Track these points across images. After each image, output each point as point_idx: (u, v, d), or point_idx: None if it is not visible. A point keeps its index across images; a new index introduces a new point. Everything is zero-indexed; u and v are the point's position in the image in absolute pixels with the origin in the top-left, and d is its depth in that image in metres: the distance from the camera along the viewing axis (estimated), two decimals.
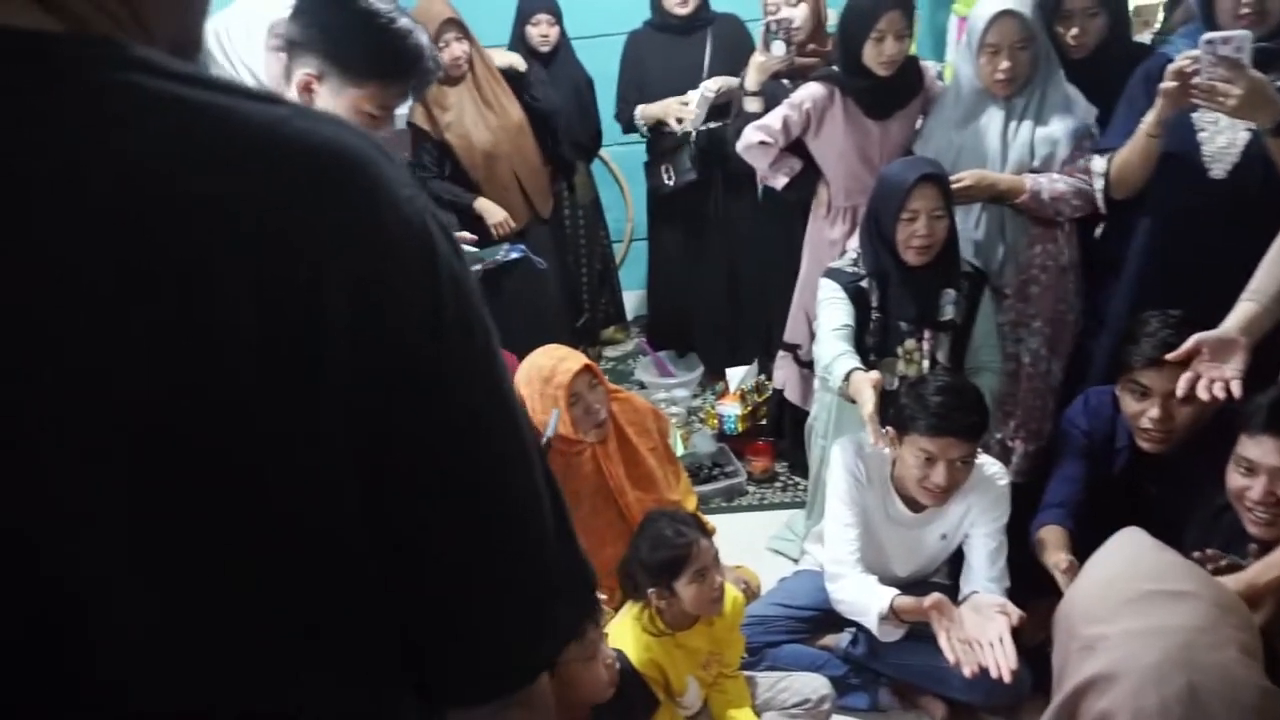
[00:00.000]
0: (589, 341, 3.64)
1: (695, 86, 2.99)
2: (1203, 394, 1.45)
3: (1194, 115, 1.79)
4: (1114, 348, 1.92)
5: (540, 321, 2.91)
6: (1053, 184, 2.08)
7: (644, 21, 3.12)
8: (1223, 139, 1.79)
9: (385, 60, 1.32)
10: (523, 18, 3.19)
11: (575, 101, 3.31)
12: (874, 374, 1.90)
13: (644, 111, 3.07)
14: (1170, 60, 1.80)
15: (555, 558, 0.54)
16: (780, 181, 2.50)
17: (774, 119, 2.38)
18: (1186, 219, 1.86)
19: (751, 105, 2.55)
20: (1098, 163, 1.97)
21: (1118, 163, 1.90)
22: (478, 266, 1.55)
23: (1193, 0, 1.90)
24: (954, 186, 2.06)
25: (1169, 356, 1.55)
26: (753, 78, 2.54)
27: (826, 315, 2.08)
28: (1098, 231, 2.27)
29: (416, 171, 2.90)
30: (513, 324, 2.66)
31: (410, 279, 0.45)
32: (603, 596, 1.83)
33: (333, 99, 1.34)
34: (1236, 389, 1.43)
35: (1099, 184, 1.97)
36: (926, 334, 2.06)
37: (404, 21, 1.31)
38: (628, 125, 3.18)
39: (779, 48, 2.46)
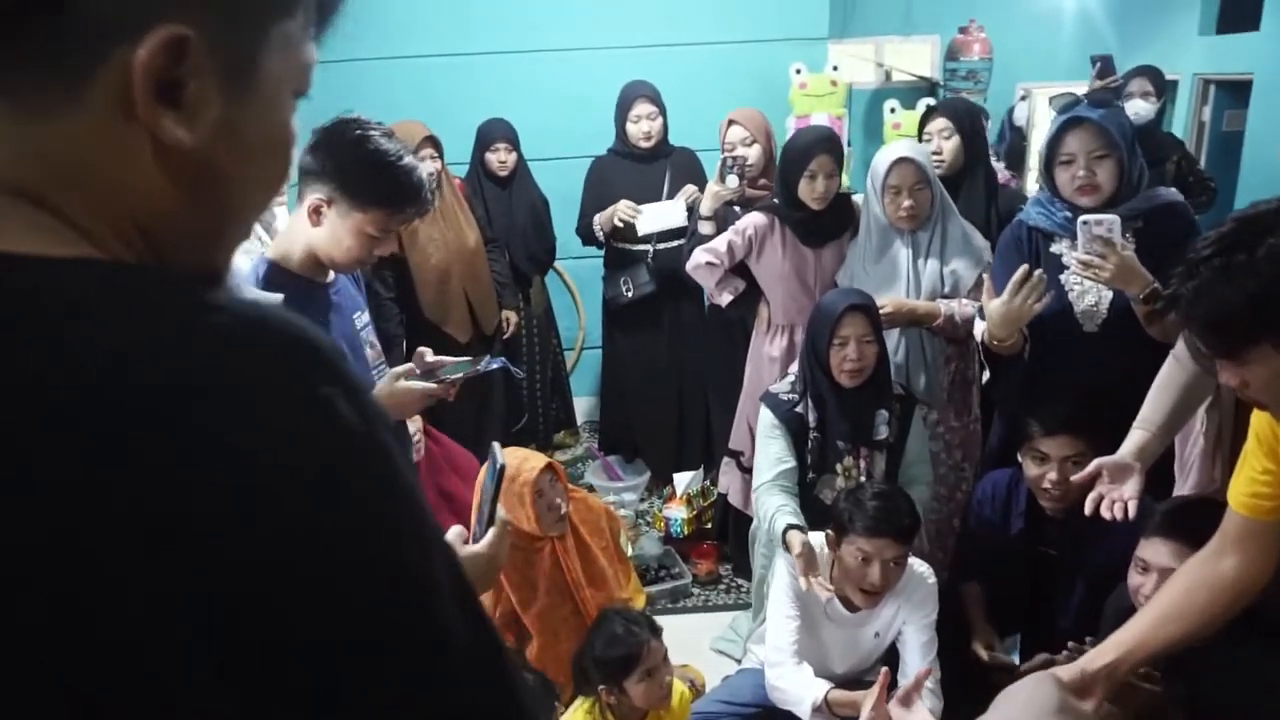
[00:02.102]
0: (536, 444, 3.75)
1: (655, 199, 3.24)
2: (1105, 514, 1.61)
3: (1062, 277, 2.04)
4: (1008, 432, 2.16)
5: (484, 415, 3.15)
6: (963, 308, 2.34)
7: (608, 149, 3.38)
8: (1090, 297, 2.03)
9: (390, 193, 1.49)
10: (482, 144, 3.45)
11: (532, 219, 3.55)
12: (807, 536, 2.05)
13: (598, 218, 3.29)
14: (1028, 226, 2.10)
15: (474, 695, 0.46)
16: (725, 299, 2.73)
17: (720, 242, 2.62)
18: (1064, 365, 2.09)
19: (705, 228, 2.80)
20: (978, 326, 2.11)
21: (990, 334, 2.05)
22: (459, 375, 1.68)
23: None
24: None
25: (1075, 478, 1.72)
26: (707, 205, 2.80)
27: (764, 454, 2.26)
28: (985, 376, 2.52)
29: (373, 291, 3.08)
30: (462, 413, 2.87)
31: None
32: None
33: (339, 220, 1.50)
34: (1133, 509, 1.60)
35: (979, 334, 2.14)
36: (863, 451, 2.25)
37: (409, 160, 1.49)
38: (587, 237, 3.38)
39: (733, 180, 2.74)
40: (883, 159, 2.36)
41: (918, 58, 5.40)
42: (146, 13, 0.41)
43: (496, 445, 1.30)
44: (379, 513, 0.42)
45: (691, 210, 3.07)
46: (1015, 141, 4.51)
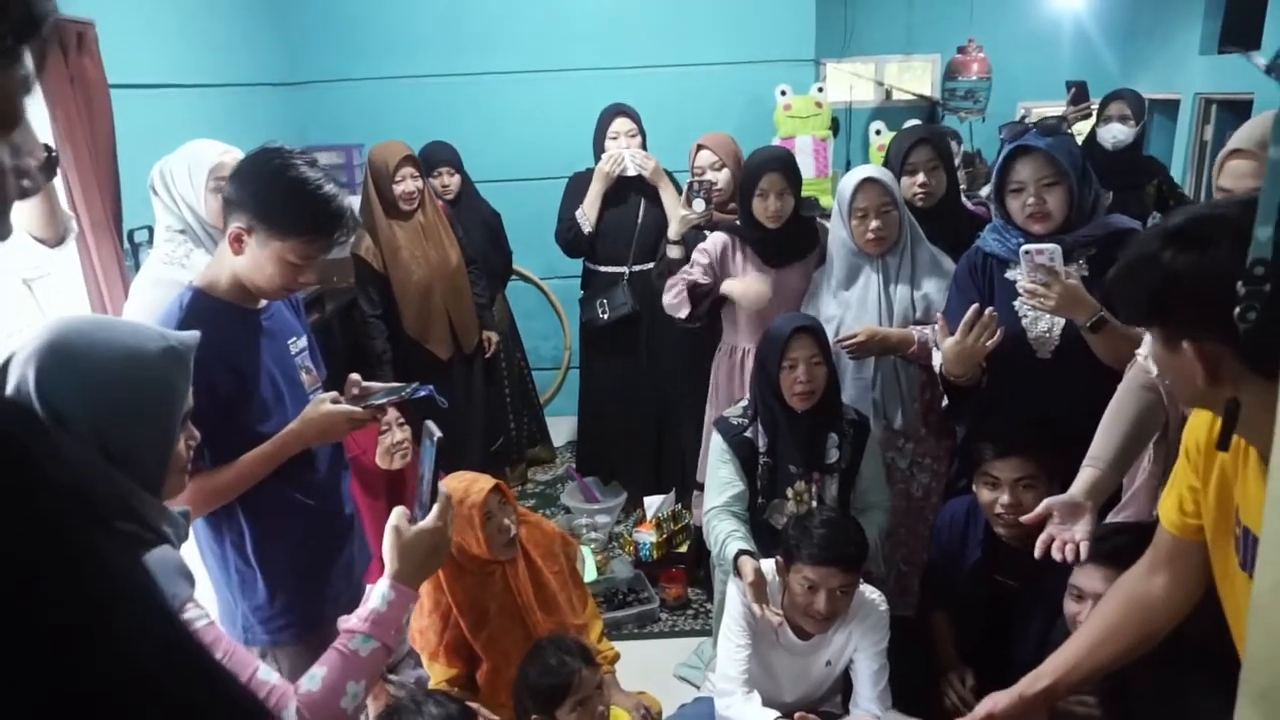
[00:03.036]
0: (510, 462, 3.76)
1: (630, 224, 3.25)
2: (1056, 555, 1.56)
3: (1015, 304, 2.01)
4: (965, 460, 2.13)
5: (463, 437, 3.16)
6: (936, 333, 2.29)
7: (587, 167, 3.36)
8: (1043, 324, 2.01)
9: (309, 221, 1.50)
10: (425, 168, 3.41)
11: (487, 236, 3.59)
12: (758, 563, 2.03)
13: (585, 206, 3.22)
14: (984, 253, 2.08)
15: None
16: (683, 312, 2.68)
17: (687, 274, 2.62)
18: (1019, 391, 2.05)
19: (673, 252, 2.80)
20: (936, 357, 2.11)
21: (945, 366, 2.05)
22: (384, 401, 1.70)
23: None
24: (849, 342, 2.27)
25: (1025, 519, 1.66)
26: (675, 228, 2.81)
27: (714, 478, 2.25)
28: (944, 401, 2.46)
29: (358, 308, 3.13)
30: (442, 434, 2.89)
31: None
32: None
33: (260, 249, 1.52)
34: (1085, 550, 1.55)
35: (937, 366, 2.12)
36: (814, 476, 2.22)
37: (329, 188, 1.51)
38: (570, 240, 3.30)
39: (699, 205, 2.74)
40: (848, 181, 2.34)
41: (918, 77, 5.40)
42: None
43: (430, 423, 1.34)
44: None
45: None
46: None
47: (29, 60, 0.48)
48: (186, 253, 2.11)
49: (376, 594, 1.23)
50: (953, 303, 2.10)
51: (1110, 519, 1.81)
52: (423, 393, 1.69)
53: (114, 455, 1.02)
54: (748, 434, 2.24)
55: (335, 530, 1.79)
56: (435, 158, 3.48)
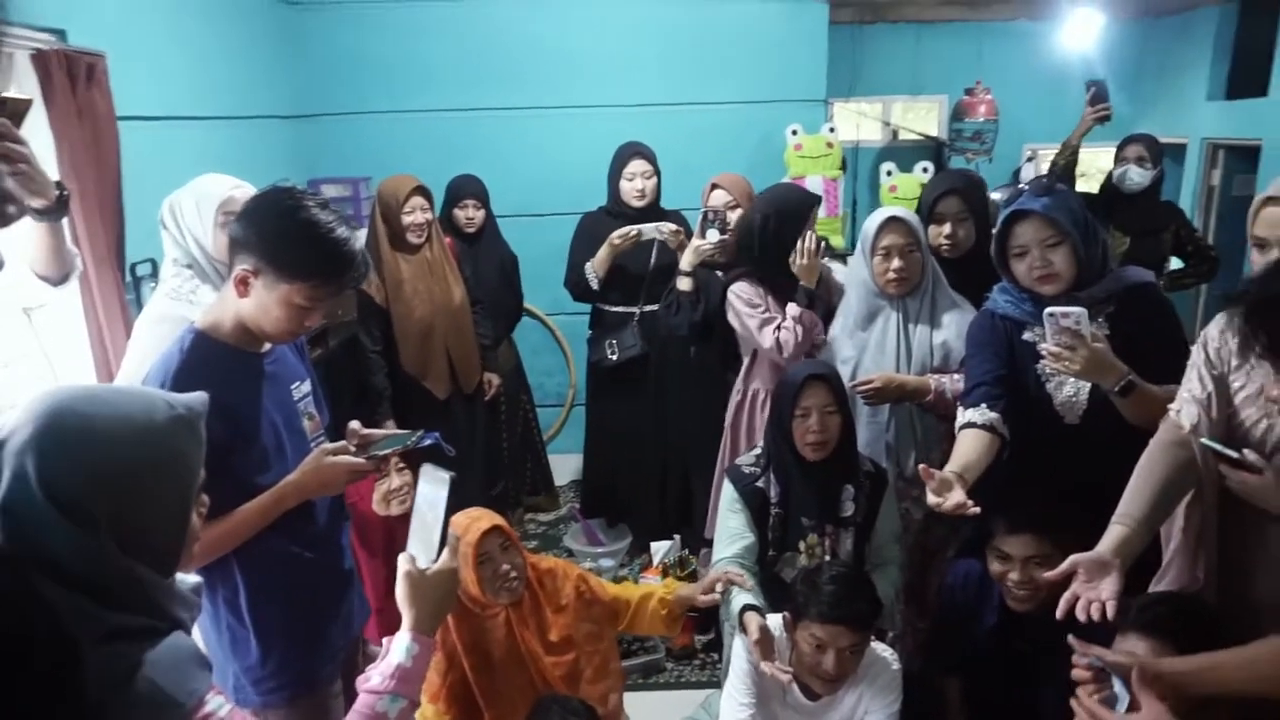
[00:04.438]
0: (509, 507, 3.67)
1: (644, 264, 3.22)
2: (1080, 615, 1.49)
3: (1037, 366, 1.94)
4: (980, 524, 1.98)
5: (463, 480, 3.01)
6: (954, 383, 2.22)
7: (599, 206, 3.35)
8: (1069, 388, 1.94)
9: (321, 265, 1.46)
10: (451, 200, 3.45)
11: (501, 277, 3.53)
12: (764, 619, 1.94)
13: (594, 263, 3.17)
14: (994, 314, 2.01)
15: None
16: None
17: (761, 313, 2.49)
18: (1046, 459, 1.95)
19: (683, 284, 2.76)
20: (960, 415, 1.99)
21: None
22: (389, 451, 1.64)
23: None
24: (865, 388, 2.22)
25: (1048, 575, 1.59)
26: (688, 259, 2.77)
27: (724, 528, 2.18)
28: None
29: (359, 344, 3.07)
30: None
31: None
32: None
33: (267, 291, 1.47)
34: (1111, 610, 1.47)
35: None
36: (828, 529, 2.15)
37: (341, 231, 1.46)
38: (577, 289, 3.27)
39: (713, 235, 2.70)
40: (874, 220, 2.30)
41: (925, 117, 5.40)
42: None
43: (429, 465, 1.33)
44: None
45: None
46: None
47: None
48: (193, 288, 2.07)
49: (399, 648, 1.17)
50: (973, 362, 2.03)
51: (1153, 587, 1.74)
52: (428, 441, 1.63)
53: (127, 542, 0.93)
54: (760, 483, 2.18)
55: (334, 584, 1.72)
56: (463, 190, 3.44)
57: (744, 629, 1.96)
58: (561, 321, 4.26)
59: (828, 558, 2.13)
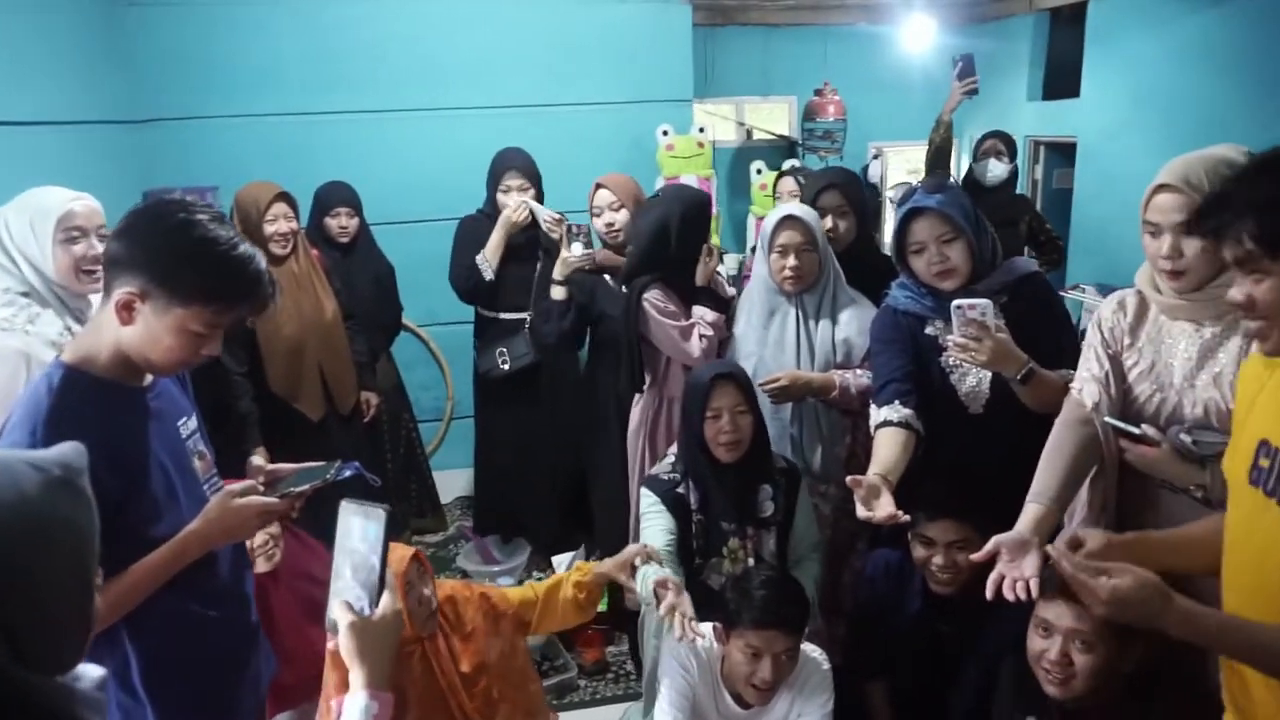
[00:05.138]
0: (396, 531, 3.48)
1: (530, 271, 3.13)
2: (1008, 594, 1.55)
3: (941, 359, 2.02)
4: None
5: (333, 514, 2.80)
6: (858, 379, 2.28)
7: (478, 209, 3.21)
8: (971, 379, 2.03)
9: (223, 287, 1.29)
10: (321, 209, 3.24)
11: (376, 289, 3.34)
12: (662, 572, 1.86)
13: (485, 253, 3.07)
14: (895, 310, 2.08)
15: None
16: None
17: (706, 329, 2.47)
18: (952, 447, 2.03)
19: (557, 293, 2.71)
20: (874, 414, 2.03)
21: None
22: (305, 487, 1.48)
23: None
24: (772, 386, 2.22)
25: (974, 557, 1.64)
26: (559, 270, 2.72)
27: (647, 532, 2.12)
28: None
29: (223, 367, 2.78)
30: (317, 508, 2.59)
31: None
32: None
33: (156, 318, 1.29)
34: (1034, 588, 1.54)
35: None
36: (749, 531, 2.14)
37: (244, 248, 1.30)
38: (468, 285, 3.13)
39: (578, 248, 2.65)
40: (772, 217, 2.33)
41: (776, 117, 5.56)
42: None
43: (352, 501, 1.17)
44: None
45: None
46: (870, 199, 4.68)
47: None
48: (29, 317, 1.81)
49: (355, 711, 1.05)
50: (880, 359, 2.07)
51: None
52: (348, 472, 1.48)
53: (20, 647, 0.74)
54: (680, 489, 2.14)
55: (241, 643, 1.54)
56: (333, 198, 3.21)
57: (658, 600, 1.82)
58: (436, 332, 4.08)
59: (751, 561, 2.12)
